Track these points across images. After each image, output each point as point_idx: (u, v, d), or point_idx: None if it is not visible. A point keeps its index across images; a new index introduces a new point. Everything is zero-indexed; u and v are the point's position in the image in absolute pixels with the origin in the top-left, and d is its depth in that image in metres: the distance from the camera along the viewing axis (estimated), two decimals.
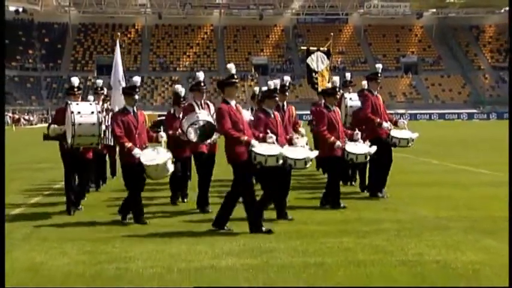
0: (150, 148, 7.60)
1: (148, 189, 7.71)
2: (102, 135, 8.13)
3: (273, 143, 6.96)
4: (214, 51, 76.73)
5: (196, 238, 6.61)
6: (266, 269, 5.33)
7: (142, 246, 6.23)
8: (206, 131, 7.76)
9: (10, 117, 56.97)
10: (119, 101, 10.08)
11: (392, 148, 9.45)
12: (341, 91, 9.98)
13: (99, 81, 11.05)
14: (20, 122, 57.91)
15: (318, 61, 12.81)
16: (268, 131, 7.12)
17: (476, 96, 72.39)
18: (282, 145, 7.10)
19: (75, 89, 8.48)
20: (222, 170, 9.16)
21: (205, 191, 8.46)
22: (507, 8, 74.13)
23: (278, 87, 7.85)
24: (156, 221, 7.68)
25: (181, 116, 8.94)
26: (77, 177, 8.60)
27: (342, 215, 8.02)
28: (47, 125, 10.63)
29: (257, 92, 10.88)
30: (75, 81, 8.63)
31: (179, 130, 8.34)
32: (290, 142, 7.57)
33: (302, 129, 8.65)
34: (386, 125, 9.32)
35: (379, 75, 9.76)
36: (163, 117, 10.29)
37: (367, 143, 8.75)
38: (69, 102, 8.06)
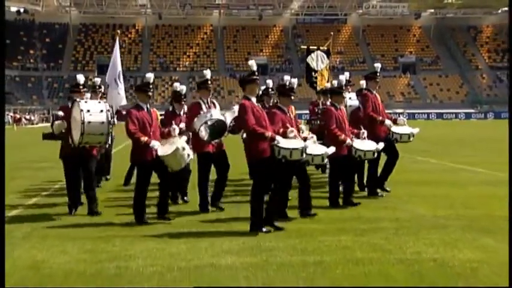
0: (163, 141, 7.56)
1: (149, 189, 7.70)
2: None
3: (295, 137, 6.99)
4: (214, 51, 76.78)
5: (196, 237, 6.64)
6: (265, 267, 5.36)
7: (142, 244, 6.25)
8: (217, 129, 7.73)
9: (11, 116, 57.05)
10: (115, 99, 10.10)
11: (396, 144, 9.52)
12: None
13: (97, 80, 11.07)
14: (21, 122, 57.99)
15: (317, 60, 12.82)
16: (288, 125, 7.12)
17: (474, 95, 72.52)
18: None
19: (80, 87, 8.41)
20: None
21: (222, 189, 8.44)
22: (504, 9, 74.39)
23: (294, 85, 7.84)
24: (156, 220, 7.70)
25: (181, 113, 8.95)
26: (82, 175, 8.30)
27: (340, 213, 8.06)
28: (47, 124, 10.53)
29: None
30: (81, 78, 8.54)
31: (180, 126, 8.28)
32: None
33: (303, 126, 8.71)
34: (388, 122, 9.39)
35: (378, 74, 9.82)
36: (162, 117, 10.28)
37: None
38: (78, 99, 7.90)
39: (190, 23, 78.15)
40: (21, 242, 6.46)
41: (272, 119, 7.14)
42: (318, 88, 11.93)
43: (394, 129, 9.44)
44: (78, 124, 7.60)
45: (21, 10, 73.21)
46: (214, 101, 8.65)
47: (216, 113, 7.88)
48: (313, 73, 12.65)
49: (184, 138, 7.67)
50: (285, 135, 6.96)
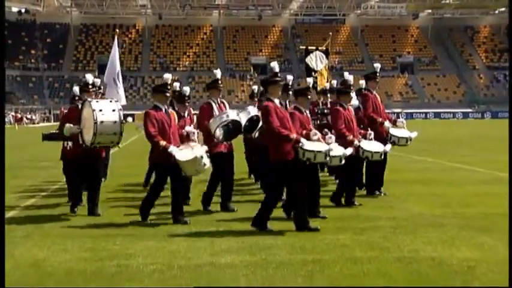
0: (183, 145, 7.48)
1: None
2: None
3: (318, 140, 7.01)
4: (213, 51, 76.79)
5: (196, 235, 6.67)
6: (265, 266, 5.38)
7: (142, 243, 6.28)
8: (232, 130, 7.70)
9: (13, 116, 57.10)
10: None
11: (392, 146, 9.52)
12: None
13: (97, 80, 11.07)
14: (23, 121, 58.05)
15: (316, 60, 12.86)
16: (312, 127, 7.12)
17: (471, 95, 72.68)
18: None
19: (89, 86, 8.33)
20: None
21: (231, 189, 8.39)
22: (501, 9, 74.55)
23: (290, 83, 7.85)
24: (156, 218, 7.74)
25: (186, 114, 8.83)
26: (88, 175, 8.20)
27: (339, 212, 8.10)
28: (49, 124, 10.50)
29: (256, 91, 10.96)
30: (89, 78, 8.47)
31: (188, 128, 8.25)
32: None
33: None
34: (388, 124, 9.40)
35: (378, 74, 9.83)
36: None
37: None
38: (89, 99, 7.83)
39: (190, 23, 78.15)
40: (22, 241, 6.49)
41: (292, 119, 7.12)
42: (318, 88, 11.96)
43: (393, 131, 9.39)
44: (90, 124, 7.52)
45: (23, 10, 73.26)
46: (224, 101, 8.64)
47: (232, 114, 7.80)
48: (312, 73, 12.69)
49: (205, 148, 7.54)
50: (308, 138, 6.97)
